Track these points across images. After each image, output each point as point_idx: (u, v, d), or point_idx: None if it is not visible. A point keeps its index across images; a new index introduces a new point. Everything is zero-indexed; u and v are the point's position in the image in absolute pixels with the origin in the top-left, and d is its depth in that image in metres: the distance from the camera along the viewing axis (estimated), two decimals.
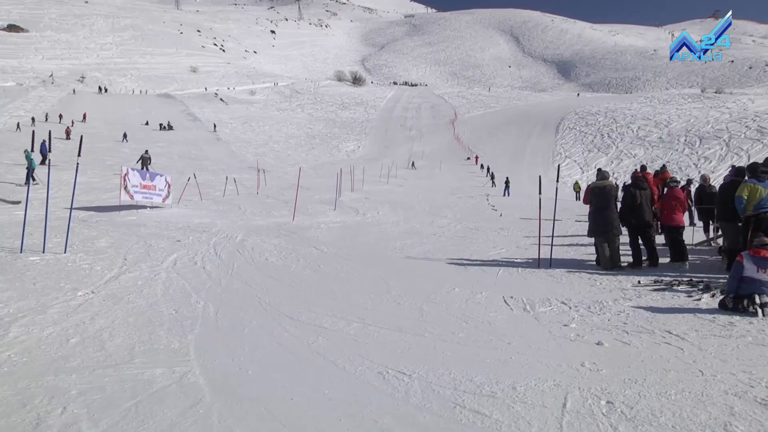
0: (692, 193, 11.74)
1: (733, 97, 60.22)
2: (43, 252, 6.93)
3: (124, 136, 42.49)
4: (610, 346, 3.94)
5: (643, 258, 7.60)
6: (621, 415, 2.77)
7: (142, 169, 23.17)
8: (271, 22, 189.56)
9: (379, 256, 8.75)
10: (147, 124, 53.24)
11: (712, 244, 9.48)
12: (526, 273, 7.10)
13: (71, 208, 7.78)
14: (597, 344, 3.98)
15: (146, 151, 28.03)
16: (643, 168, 11.75)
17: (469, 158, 49.18)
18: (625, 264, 7.51)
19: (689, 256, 7.77)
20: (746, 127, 41.10)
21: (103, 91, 74.27)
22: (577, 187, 31.34)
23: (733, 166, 7.84)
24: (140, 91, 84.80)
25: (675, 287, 5.95)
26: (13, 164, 22.88)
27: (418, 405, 2.95)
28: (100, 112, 54.78)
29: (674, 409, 2.84)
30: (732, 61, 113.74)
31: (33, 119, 43.84)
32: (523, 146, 50.38)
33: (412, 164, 45.93)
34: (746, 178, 6.73)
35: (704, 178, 10.90)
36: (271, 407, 2.91)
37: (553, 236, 8.20)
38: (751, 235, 6.08)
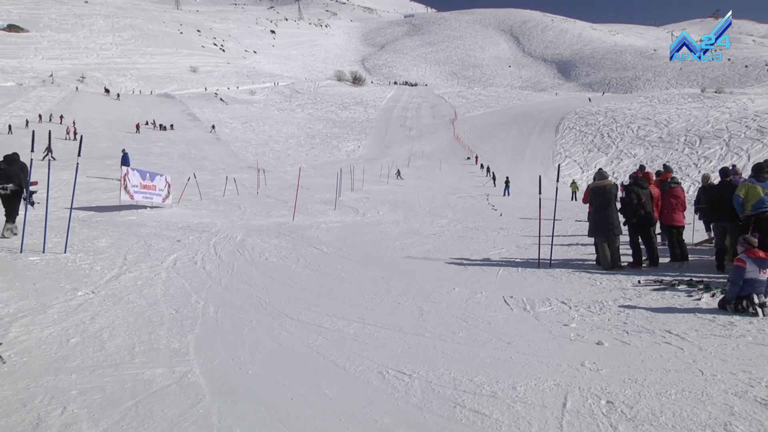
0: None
1: (733, 96, 60.17)
2: (43, 252, 6.93)
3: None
4: (610, 346, 3.94)
5: (643, 258, 7.60)
6: (621, 414, 2.78)
7: None
8: (271, 22, 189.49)
9: (379, 255, 8.75)
10: (147, 123, 53.29)
11: (712, 244, 9.48)
12: (526, 273, 7.10)
13: (71, 208, 7.77)
14: (597, 344, 3.98)
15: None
16: (641, 168, 11.73)
17: (469, 158, 49.15)
18: (625, 264, 7.51)
19: (689, 256, 7.78)
20: (746, 126, 41.06)
21: (107, 92, 73.65)
22: (574, 186, 31.05)
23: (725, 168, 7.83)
24: (140, 91, 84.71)
25: (675, 287, 5.95)
26: None
27: (418, 405, 2.95)
28: (100, 112, 54.77)
29: (674, 408, 2.84)
30: (729, 60, 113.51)
31: (40, 116, 44.57)
32: (523, 146, 50.34)
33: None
34: (749, 177, 6.75)
35: (705, 178, 10.87)
36: (271, 407, 2.91)
37: (553, 236, 8.21)
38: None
